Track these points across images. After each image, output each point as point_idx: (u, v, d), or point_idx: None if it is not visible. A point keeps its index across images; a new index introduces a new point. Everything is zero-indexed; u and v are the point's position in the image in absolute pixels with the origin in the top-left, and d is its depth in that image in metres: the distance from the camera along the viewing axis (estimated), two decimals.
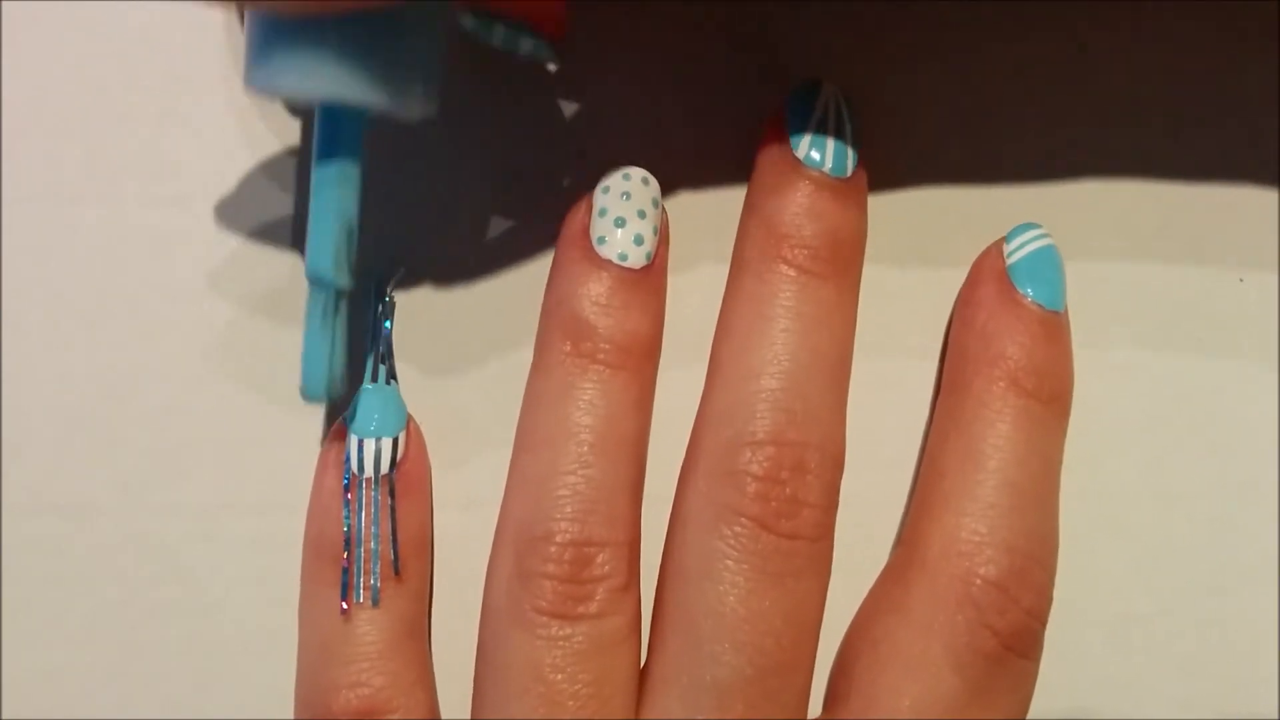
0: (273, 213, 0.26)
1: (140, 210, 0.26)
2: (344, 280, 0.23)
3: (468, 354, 0.26)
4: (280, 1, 0.20)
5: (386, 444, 0.24)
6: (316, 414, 0.25)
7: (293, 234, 0.26)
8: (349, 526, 0.23)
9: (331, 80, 0.21)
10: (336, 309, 0.23)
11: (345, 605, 0.23)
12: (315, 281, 0.23)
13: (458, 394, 0.25)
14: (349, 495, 0.23)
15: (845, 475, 0.24)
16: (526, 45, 0.23)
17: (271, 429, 0.25)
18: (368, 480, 0.23)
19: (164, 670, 0.25)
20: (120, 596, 0.25)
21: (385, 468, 0.24)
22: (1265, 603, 0.25)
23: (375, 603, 0.23)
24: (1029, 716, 0.24)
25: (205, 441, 0.25)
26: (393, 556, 0.23)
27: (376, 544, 0.23)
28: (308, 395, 0.23)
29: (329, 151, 0.22)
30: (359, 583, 0.23)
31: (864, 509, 0.25)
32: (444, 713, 0.24)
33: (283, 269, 0.26)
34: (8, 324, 0.25)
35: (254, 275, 0.26)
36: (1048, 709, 0.24)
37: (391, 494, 0.23)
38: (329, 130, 0.22)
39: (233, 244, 0.26)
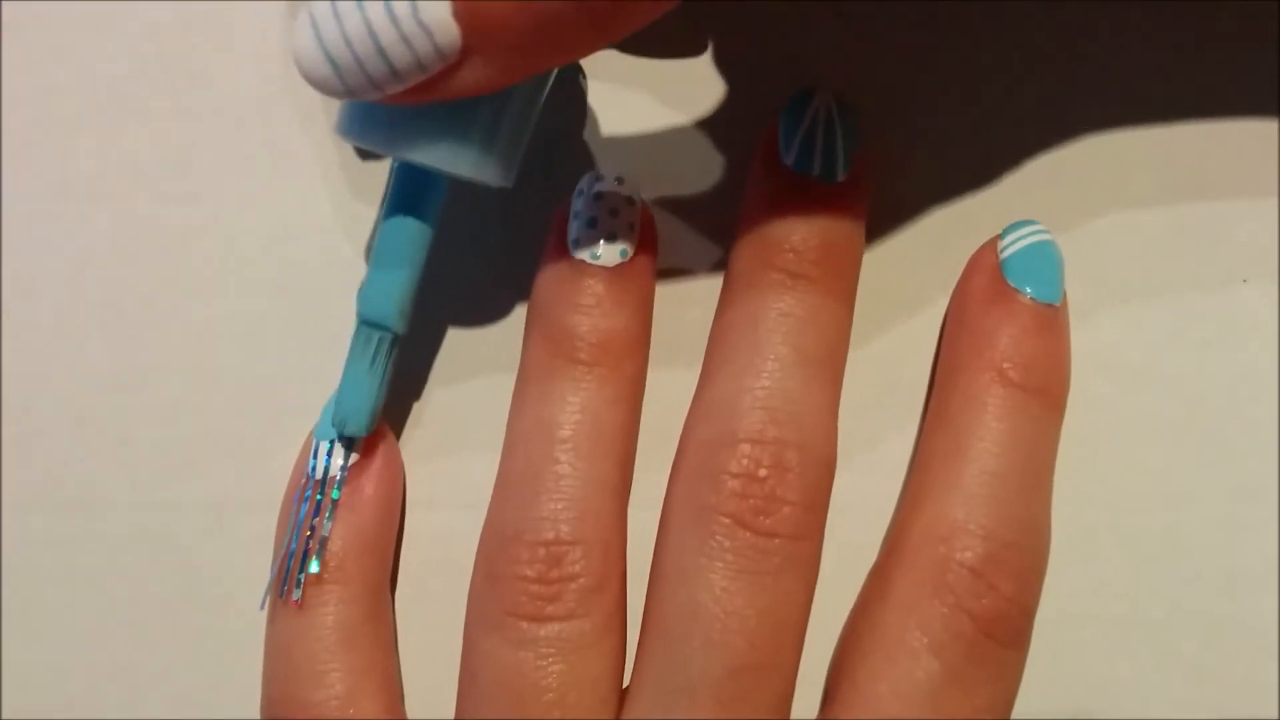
0: (283, 210, 0.26)
1: (149, 207, 0.26)
2: (404, 327, 0.23)
3: (471, 354, 0.26)
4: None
5: (339, 446, 0.24)
6: None
7: (301, 231, 0.26)
8: (291, 527, 0.24)
9: (431, 148, 0.21)
10: (389, 352, 0.23)
11: (267, 606, 0.23)
12: (374, 325, 0.23)
13: (460, 395, 0.25)
14: (299, 498, 0.24)
15: (846, 477, 0.23)
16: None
17: (279, 426, 0.25)
18: (316, 483, 0.24)
19: (169, 668, 0.25)
20: (126, 593, 0.25)
21: (335, 470, 0.24)
22: (1267, 603, 0.24)
23: (299, 606, 0.23)
24: (1031, 717, 0.23)
25: (212, 438, 0.26)
26: (315, 560, 0.23)
27: (307, 547, 0.23)
28: (349, 430, 0.23)
29: (408, 208, 0.23)
30: (284, 586, 0.23)
31: (864, 510, 0.24)
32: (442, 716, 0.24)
33: (293, 267, 0.26)
34: (16, 320, 0.26)
35: (263, 273, 0.26)
36: (1048, 709, 0.24)
37: (334, 497, 0.24)
38: (411, 186, 0.23)
39: (242, 241, 0.26)
